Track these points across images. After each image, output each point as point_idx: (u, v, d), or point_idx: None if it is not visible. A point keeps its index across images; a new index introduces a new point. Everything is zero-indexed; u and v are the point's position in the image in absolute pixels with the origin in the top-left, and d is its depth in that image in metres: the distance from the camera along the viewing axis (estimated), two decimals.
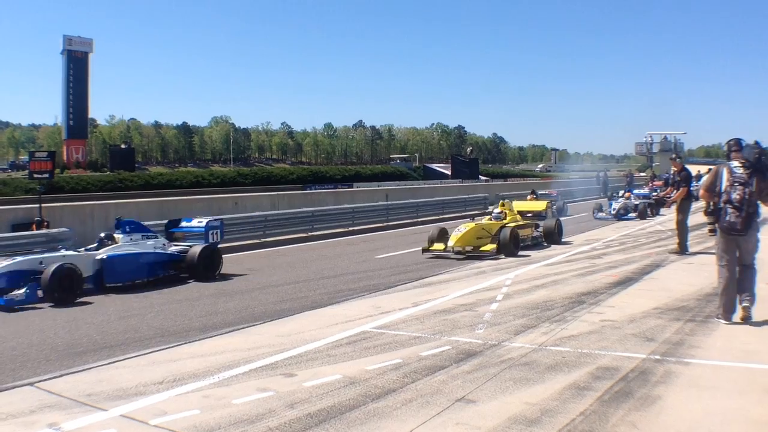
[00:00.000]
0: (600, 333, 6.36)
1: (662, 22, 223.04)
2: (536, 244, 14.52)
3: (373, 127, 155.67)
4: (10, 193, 37.75)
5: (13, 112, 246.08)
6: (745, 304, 6.59)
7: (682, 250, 12.13)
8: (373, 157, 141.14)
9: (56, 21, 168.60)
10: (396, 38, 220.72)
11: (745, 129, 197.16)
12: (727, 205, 6.48)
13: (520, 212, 16.55)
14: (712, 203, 6.82)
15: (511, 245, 12.86)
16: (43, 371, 5.70)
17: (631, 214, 21.94)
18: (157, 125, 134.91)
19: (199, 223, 12.44)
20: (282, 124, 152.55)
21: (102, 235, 10.80)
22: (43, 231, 13.99)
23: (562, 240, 15.01)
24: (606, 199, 25.43)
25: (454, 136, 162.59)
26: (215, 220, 12.85)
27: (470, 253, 13.03)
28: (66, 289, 9.18)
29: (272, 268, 12.73)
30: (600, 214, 22.64)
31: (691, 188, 12.95)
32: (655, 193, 24.51)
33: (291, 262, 13.68)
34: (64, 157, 72.11)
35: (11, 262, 9.47)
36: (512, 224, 13.90)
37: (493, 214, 14.80)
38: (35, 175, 17.96)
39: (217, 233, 12.39)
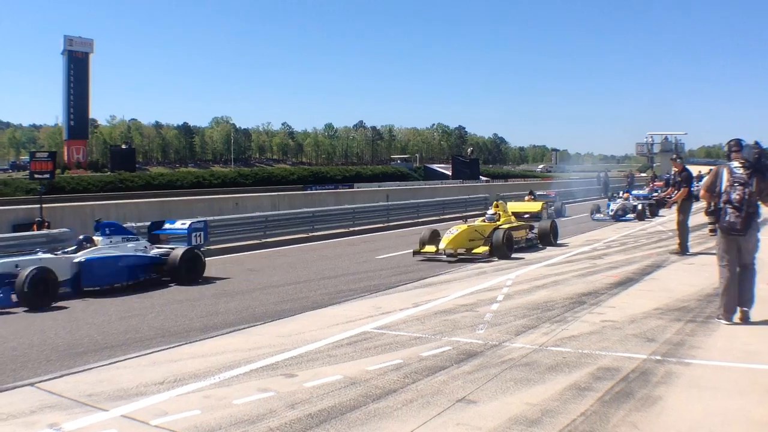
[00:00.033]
0: (601, 333, 6.36)
1: (662, 22, 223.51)
2: (531, 246, 14.23)
3: (373, 128, 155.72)
4: (11, 193, 37.84)
5: (14, 112, 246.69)
6: (744, 308, 6.65)
7: (683, 250, 12.12)
8: (374, 157, 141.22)
9: (57, 21, 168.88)
10: (396, 38, 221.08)
11: (745, 129, 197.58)
12: (727, 206, 6.49)
13: (515, 213, 16.43)
14: (712, 203, 6.82)
15: (504, 247, 12.57)
16: (43, 371, 5.70)
17: (629, 216, 21.70)
18: (157, 125, 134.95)
19: (182, 225, 12.11)
20: (283, 124, 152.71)
21: (81, 237, 10.55)
22: (44, 231, 14.02)
23: (558, 242, 14.73)
24: (606, 199, 25.34)
25: (454, 137, 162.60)
26: (199, 222, 12.52)
27: (462, 256, 12.76)
28: (41, 293, 8.90)
29: (273, 269, 12.73)
30: (598, 216, 22.34)
31: (692, 189, 12.94)
32: (656, 194, 24.47)
33: (292, 262, 13.69)
34: (65, 158, 72.25)
35: None
36: (506, 226, 13.62)
37: (486, 216, 14.55)
38: (36, 176, 18.00)
39: (200, 236, 12.09)
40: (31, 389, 5.08)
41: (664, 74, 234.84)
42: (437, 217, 24.52)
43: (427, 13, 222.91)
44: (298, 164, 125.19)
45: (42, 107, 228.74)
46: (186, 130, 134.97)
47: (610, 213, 21.95)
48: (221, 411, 4.39)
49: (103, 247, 10.35)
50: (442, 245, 12.88)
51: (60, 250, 10.24)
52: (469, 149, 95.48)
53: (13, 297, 8.90)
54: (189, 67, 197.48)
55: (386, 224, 21.95)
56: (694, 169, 21.27)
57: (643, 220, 21.02)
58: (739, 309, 6.63)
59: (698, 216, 14.84)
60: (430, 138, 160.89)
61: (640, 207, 21.77)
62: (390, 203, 24.51)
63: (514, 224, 14.30)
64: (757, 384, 4.83)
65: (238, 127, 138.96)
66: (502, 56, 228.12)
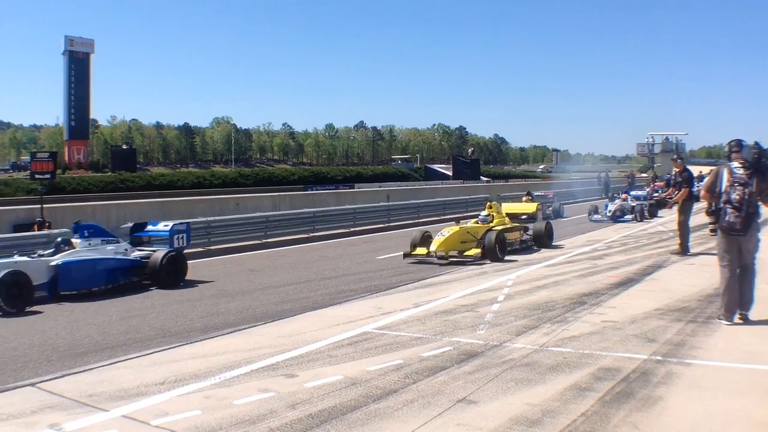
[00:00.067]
0: (601, 334, 6.35)
1: (662, 22, 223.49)
2: (525, 248, 13.97)
3: (374, 128, 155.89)
4: (12, 193, 37.85)
5: (15, 112, 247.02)
6: (743, 311, 6.68)
7: (684, 250, 12.12)
8: (375, 157, 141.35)
9: (58, 22, 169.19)
10: (397, 38, 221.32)
11: (746, 129, 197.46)
12: (727, 206, 6.50)
13: (509, 215, 16.20)
14: (713, 204, 6.83)
15: (496, 250, 12.27)
16: (44, 372, 5.71)
17: (627, 216, 21.43)
18: (158, 126, 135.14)
19: (164, 226, 11.82)
20: (283, 124, 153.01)
21: (59, 239, 10.24)
22: (45, 232, 14.00)
23: (554, 243, 14.49)
24: (607, 200, 25.27)
25: (455, 137, 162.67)
26: (181, 223, 12.17)
27: (454, 258, 12.40)
28: (15, 297, 8.64)
29: (274, 269, 12.73)
30: (596, 216, 22.05)
31: (693, 189, 12.93)
32: (656, 194, 24.42)
33: (292, 262, 13.69)
34: (66, 158, 72.32)
35: None
36: (499, 227, 13.33)
37: (479, 217, 14.20)
38: (37, 176, 18.01)
39: (183, 238, 11.77)
40: (31, 389, 5.09)
41: (665, 74, 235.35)
42: (438, 218, 24.50)
43: (427, 13, 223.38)
44: (299, 164, 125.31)
45: (43, 107, 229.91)
46: (187, 130, 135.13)
47: (608, 214, 21.70)
48: (222, 411, 4.39)
49: (81, 249, 10.06)
50: (432, 247, 12.56)
51: (36, 253, 9.89)
52: (469, 149, 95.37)
53: None
54: (189, 68, 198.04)
55: (387, 224, 21.95)
56: (695, 170, 21.13)
57: (641, 221, 20.82)
58: (739, 311, 6.65)
59: (699, 216, 14.83)
60: (431, 138, 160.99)
61: (638, 208, 21.53)
62: (391, 203, 24.51)
63: (508, 226, 13.99)
64: (758, 384, 4.83)
65: (238, 127, 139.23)
66: (503, 56, 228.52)
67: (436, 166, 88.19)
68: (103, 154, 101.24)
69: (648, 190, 27.20)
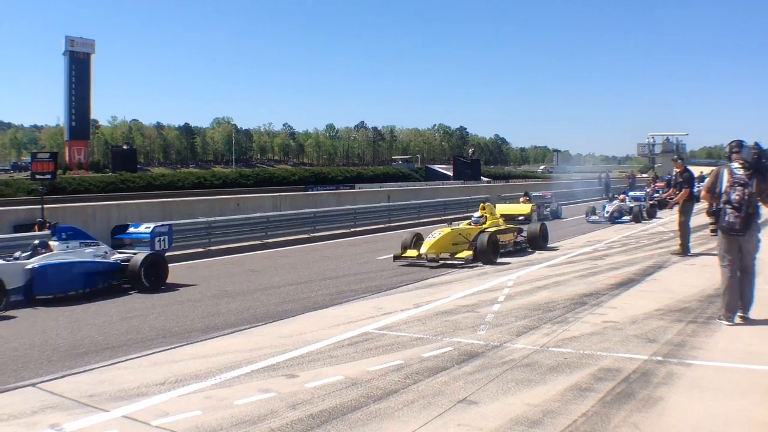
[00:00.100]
0: (602, 334, 6.35)
1: (662, 22, 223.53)
2: (520, 250, 13.68)
3: (375, 128, 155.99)
4: (12, 194, 37.85)
5: (16, 113, 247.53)
6: (743, 311, 6.70)
7: (684, 251, 12.12)
8: (375, 158, 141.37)
9: (58, 22, 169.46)
10: (397, 39, 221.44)
11: (747, 129, 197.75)
12: (727, 206, 6.52)
13: (504, 216, 15.97)
14: (713, 204, 6.84)
15: (489, 252, 11.94)
16: (45, 372, 5.71)
17: (625, 218, 21.07)
18: (159, 126, 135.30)
19: (146, 228, 11.57)
20: (284, 125, 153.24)
21: (36, 242, 9.94)
22: (45, 232, 14.00)
23: (549, 245, 14.17)
24: (607, 200, 25.20)
25: (456, 137, 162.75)
26: (163, 225, 11.92)
27: (445, 261, 12.08)
28: None
29: (274, 269, 12.73)
30: (593, 218, 21.69)
31: (693, 189, 12.93)
32: (657, 194, 24.39)
33: (293, 263, 13.69)
34: (66, 158, 72.35)
35: None
36: (492, 229, 12.98)
37: (472, 218, 13.85)
38: (37, 176, 17.98)
39: (164, 240, 11.49)
40: (32, 390, 5.09)
41: (665, 74, 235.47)
42: (439, 218, 24.47)
43: (428, 13, 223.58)
44: (300, 165, 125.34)
45: (43, 108, 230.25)
46: (187, 130, 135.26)
47: (605, 215, 21.35)
48: (222, 411, 4.39)
49: (58, 252, 9.79)
50: (423, 249, 12.20)
51: (11, 256, 9.61)
52: (470, 150, 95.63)
53: None
54: (190, 68, 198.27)
55: (388, 225, 21.95)
56: (696, 170, 21.10)
57: (639, 222, 20.53)
58: (739, 312, 6.65)
59: (700, 217, 14.84)
60: (432, 138, 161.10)
61: (636, 209, 21.15)
62: (391, 204, 24.50)
63: (501, 227, 13.64)
64: (759, 385, 4.83)
65: (239, 127, 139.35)
66: (503, 57, 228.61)
67: (436, 167, 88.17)
68: (103, 155, 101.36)
69: (648, 190, 27.15)
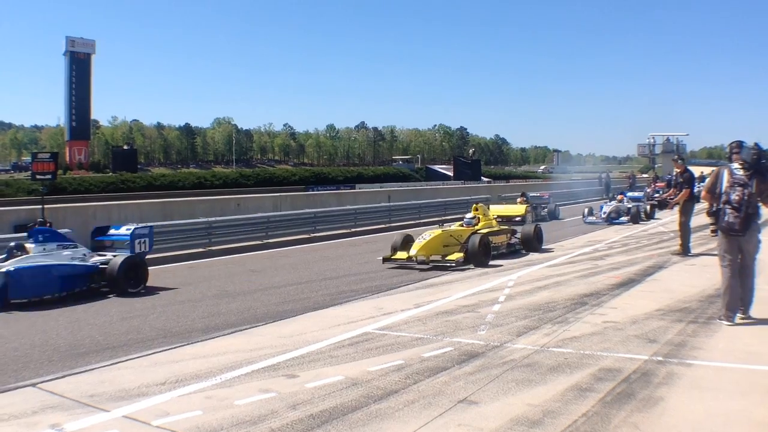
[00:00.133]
0: (602, 334, 6.36)
1: (662, 22, 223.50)
2: (513, 252, 13.40)
3: (375, 129, 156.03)
4: (13, 194, 37.85)
5: (16, 113, 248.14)
6: (743, 312, 6.71)
7: (685, 251, 12.12)
8: (376, 158, 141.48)
9: (59, 22, 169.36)
10: (398, 39, 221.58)
11: (747, 130, 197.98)
12: (727, 206, 6.53)
13: (498, 217, 15.81)
14: (714, 204, 6.85)
15: (480, 254, 11.63)
16: (45, 372, 5.71)
17: (623, 218, 20.81)
18: (159, 126, 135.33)
19: (126, 230, 11.20)
20: (284, 125, 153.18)
21: (12, 245, 9.69)
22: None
23: (543, 247, 13.89)
24: (607, 200, 25.14)
25: (456, 138, 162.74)
26: (144, 227, 11.52)
27: (435, 263, 11.82)
28: None
29: (275, 269, 12.73)
30: (590, 218, 21.45)
31: (694, 190, 12.93)
32: (658, 195, 24.35)
33: (293, 263, 13.69)
34: (67, 159, 72.31)
35: None
36: (484, 230, 12.67)
37: (464, 219, 13.51)
38: (38, 177, 17.96)
39: (145, 242, 11.09)
40: (32, 390, 5.10)
41: (665, 74, 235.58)
42: (439, 218, 24.43)
43: (428, 14, 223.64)
44: (300, 165, 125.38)
45: (44, 108, 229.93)
46: (188, 130, 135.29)
47: (603, 216, 21.09)
48: (223, 411, 4.40)
49: (35, 255, 9.52)
50: (413, 251, 11.86)
51: None
52: (470, 150, 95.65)
53: None
54: (190, 68, 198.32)
55: (388, 225, 21.94)
56: (696, 170, 21.06)
57: (637, 222, 20.33)
58: (739, 312, 6.67)
59: (700, 217, 14.83)
60: (432, 139, 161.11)
61: (634, 209, 20.89)
62: (392, 204, 24.50)
63: (494, 229, 13.34)
64: (759, 385, 4.83)
65: (239, 127, 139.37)
66: (504, 57, 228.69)
67: (437, 167, 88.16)
68: (104, 155, 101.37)
69: (649, 190, 27.11)
